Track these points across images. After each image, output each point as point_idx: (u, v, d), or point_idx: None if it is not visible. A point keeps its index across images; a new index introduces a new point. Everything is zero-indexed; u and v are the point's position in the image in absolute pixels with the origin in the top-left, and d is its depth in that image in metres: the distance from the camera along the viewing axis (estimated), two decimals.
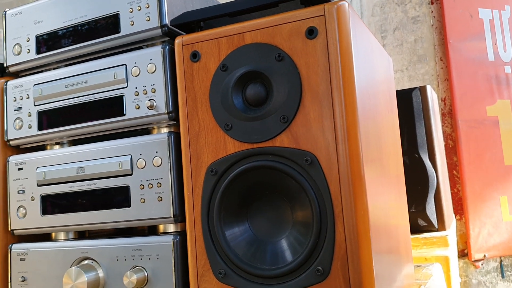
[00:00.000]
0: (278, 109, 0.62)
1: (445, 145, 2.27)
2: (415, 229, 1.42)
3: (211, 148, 0.66)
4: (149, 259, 0.68)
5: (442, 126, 2.29)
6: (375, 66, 0.74)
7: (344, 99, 0.60)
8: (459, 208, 2.26)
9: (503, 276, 2.22)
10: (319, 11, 0.61)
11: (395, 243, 0.74)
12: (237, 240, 0.64)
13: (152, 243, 0.69)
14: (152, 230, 0.76)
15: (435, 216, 1.42)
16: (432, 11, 2.35)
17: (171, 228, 0.71)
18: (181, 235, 0.68)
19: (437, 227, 1.41)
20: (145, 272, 0.68)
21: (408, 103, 1.46)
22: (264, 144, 0.63)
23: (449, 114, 2.31)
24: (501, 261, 2.22)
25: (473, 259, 2.15)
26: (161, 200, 0.69)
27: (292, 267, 0.60)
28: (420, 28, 2.39)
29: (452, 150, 2.28)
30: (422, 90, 1.46)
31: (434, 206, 1.42)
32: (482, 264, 2.19)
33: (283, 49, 0.63)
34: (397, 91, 1.51)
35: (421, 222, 1.43)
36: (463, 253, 2.27)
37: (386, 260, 0.66)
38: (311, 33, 0.61)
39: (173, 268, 0.67)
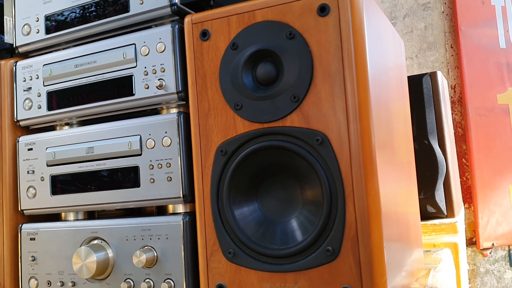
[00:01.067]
0: (288, 88, 0.62)
1: (455, 133, 2.25)
2: (424, 215, 1.41)
3: (221, 128, 0.65)
4: (159, 239, 0.68)
5: (452, 114, 2.27)
6: (387, 48, 0.73)
7: (356, 77, 0.59)
8: (468, 196, 2.25)
9: (511, 265, 2.21)
10: None
11: (405, 227, 0.74)
12: (246, 220, 0.64)
13: (161, 223, 0.69)
14: (161, 211, 0.76)
15: (444, 203, 1.41)
16: None
17: (181, 208, 0.71)
18: (191, 215, 0.68)
19: (446, 213, 1.41)
20: (154, 252, 0.68)
21: (418, 89, 1.44)
22: (275, 124, 0.62)
23: (459, 102, 2.29)
24: (509, 250, 2.21)
25: (481, 248, 2.15)
26: (170, 180, 0.68)
27: (302, 247, 0.60)
28: (430, 15, 2.36)
29: (462, 138, 2.27)
30: (433, 76, 1.44)
31: (443, 193, 1.41)
32: (490, 253, 2.19)
33: (294, 27, 0.62)
34: (407, 77, 1.50)
35: (430, 209, 1.42)
36: (472, 242, 2.26)
37: (395, 243, 0.66)
38: (323, 10, 0.60)
39: (182, 247, 0.67)
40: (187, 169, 0.68)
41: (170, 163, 0.68)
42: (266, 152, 0.63)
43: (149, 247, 0.69)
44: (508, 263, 2.21)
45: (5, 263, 0.80)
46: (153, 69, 0.70)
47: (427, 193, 1.42)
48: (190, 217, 0.68)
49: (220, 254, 0.64)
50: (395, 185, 0.68)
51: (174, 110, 0.72)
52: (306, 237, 0.60)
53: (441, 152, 1.42)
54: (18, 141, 0.81)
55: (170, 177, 0.68)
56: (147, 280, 0.68)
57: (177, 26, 0.70)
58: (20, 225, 0.80)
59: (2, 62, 0.83)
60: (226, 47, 0.65)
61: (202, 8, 0.70)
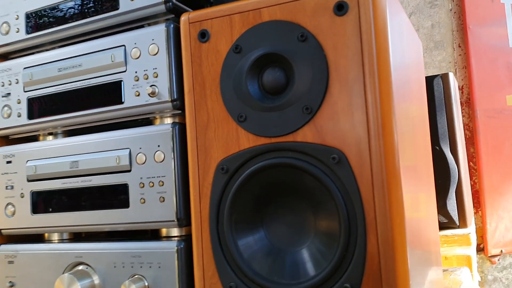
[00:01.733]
0: (300, 98, 0.53)
1: None
2: None
3: (222, 142, 0.57)
4: (150, 267, 0.60)
5: None
6: (409, 50, 0.65)
7: (379, 86, 0.51)
8: (476, 201, 2.18)
9: None
10: None
11: (427, 247, 0.66)
12: (251, 250, 0.56)
13: (153, 249, 0.61)
14: (154, 233, 0.68)
15: (456, 213, 1.34)
16: None
17: (175, 232, 0.63)
18: (186, 240, 0.60)
19: (458, 224, 1.33)
20: (145, 282, 0.60)
21: (430, 92, 1.36)
22: (284, 139, 0.54)
23: (466, 103, 2.22)
24: None
25: (489, 255, 2.08)
26: (163, 200, 0.60)
27: (315, 282, 0.52)
28: (437, 13, 2.28)
29: (470, 141, 2.19)
30: (444, 78, 1.37)
31: (455, 202, 1.34)
32: (498, 260, 2.12)
33: (307, 27, 0.54)
34: None
35: (442, 219, 1.35)
36: (479, 248, 2.19)
37: (419, 270, 0.58)
38: (341, 8, 0.52)
39: (177, 278, 0.59)
40: (182, 189, 0.60)
41: (163, 181, 0.60)
42: (274, 170, 0.55)
43: (140, 276, 0.61)
44: None
45: None
46: (145, 74, 0.62)
47: (439, 202, 1.35)
48: (186, 243, 0.60)
49: (220, 287, 0.56)
50: (418, 202, 0.60)
51: (169, 120, 0.64)
52: (320, 271, 0.52)
53: (453, 159, 1.34)
54: None
55: (163, 197, 0.60)
56: None
57: (172, 26, 0.62)
58: None
59: None
60: (228, 50, 0.57)
61: (201, 5, 0.62)
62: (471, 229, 1.33)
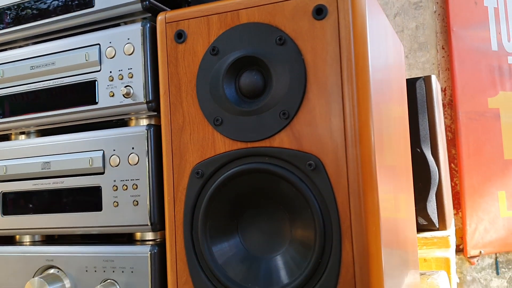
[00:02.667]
0: (277, 103, 0.52)
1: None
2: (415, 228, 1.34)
3: (197, 146, 0.56)
4: (123, 272, 0.59)
5: None
6: (389, 54, 0.64)
7: (357, 93, 0.50)
8: (456, 202, 2.20)
9: (497, 273, 2.17)
10: None
11: (404, 252, 0.65)
12: (226, 256, 0.54)
13: (126, 253, 0.59)
14: (129, 236, 0.66)
15: (436, 215, 1.34)
16: None
17: (150, 236, 0.62)
18: (160, 245, 0.59)
19: (437, 226, 1.34)
20: (117, 287, 0.59)
21: (412, 94, 1.37)
22: (260, 144, 0.53)
23: (449, 105, 2.24)
24: (496, 258, 2.17)
25: (468, 256, 2.10)
26: (137, 204, 0.59)
27: None
28: (422, 14, 2.29)
29: (451, 142, 2.21)
30: (427, 80, 1.37)
31: (435, 204, 1.34)
32: (477, 261, 2.14)
33: (285, 31, 0.53)
34: None
35: (421, 221, 1.35)
36: (459, 249, 2.21)
37: (395, 277, 0.57)
38: (320, 12, 0.51)
39: (150, 284, 0.57)
40: (156, 192, 0.59)
41: (137, 185, 0.59)
42: (250, 176, 0.54)
43: (112, 281, 0.59)
44: (495, 272, 2.17)
45: None
46: (120, 74, 0.60)
47: (418, 204, 1.35)
48: (160, 248, 0.59)
49: None
50: (396, 207, 0.60)
51: (144, 122, 0.62)
52: (294, 278, 0.51)
53: (434, 161, 1.35)
54: None
55: (137, 201, 0.59)
56: None
57: (148, 25, 0.60)
58: None
59: None
60: (205, 51, 0.56)
61: (179, 5, 0.61)
62: (450, 232, 1.34)
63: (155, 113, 0.61)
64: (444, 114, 2.21)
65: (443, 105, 2.22)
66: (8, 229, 0.68)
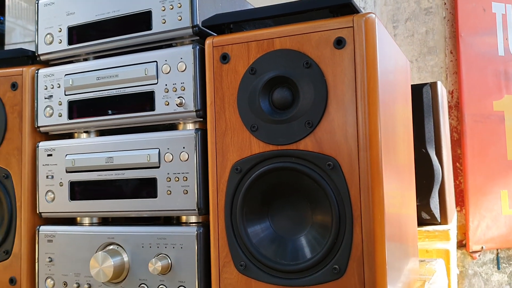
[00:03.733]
0: (303, 114, 0.66)
1: (450, 138, 2.30)
2: (419, 222, 1.45)
3: (237, 147, 0.69)
4: (173, 247, 0.72)
5: (448, 118, 2.32)
6: (396, 72, 0.77)
7: (368, 108, 0.63)
8: (460, 200, 2.30)
9: (498, 268, 2.28)
10: (348, 22, 0.64)
11: (405, 240, 0.78)
12: (258, 236, 0.68)
13: (176, 233, 0.73)
14: (176, 219, 0.79)
15: (438, 210, 1.46)
16: (445, 3, 2.35)
17: (194, 219, 0.75)
18: (204, 226, 0.72)
19: (439, 220, 1.46)
20: (169, 260, 0.73)
21: (418, 99, 1.48)
22: (288, 147, 0.66)
23: (455, 107, 2.34)
24: (497, 253, 2.27)
25: (470, 250, 2.20)
26: (186, 193, 0.72)
27: (311, 264, 0.64)
28: (432, 20, 2.39)
29: (457, 142, 2.32)
30: (433, 86, 1.49)
31: (438, 200, 1.46)
32: (479, 256, 2.24)
33: (311, 56, 0.66)
34: None
35: (425, 216, 1.47)
36: (461, 244, 2.32)
37: (396, 258, 0.70)
38: (340, 43, 0.64)
39: (196, 257, 0.71)
40: (202, 184, 0.72)
41: (186, 177, 0.72)
42: (279, 172, 0.67)
43: (164, 255, 0.73)
44: (496, 266, 2.27)
45: (22, 263, 0.84)
46: (174, 87, 0.74)
47: (422, 200, 1.47)
48: (204, 229, 0.72)
49: (232, 266, 0.69)
50: (398, 198, 0.72)
51: (191, 126, 0.75)
52: (315, 254, 0.65)
53: (437, 161, 1.46)
54: (38, 146, 0.85)
55: (186, 190, 0.72)
56: (161, 286, 0.73)
57: (198, 47, 0.73)
58: (38, 227, 0.84)
59: (24, 69, 0.86)
60: (245, 71, 0.69)
61: (222, 31, 0.73)
62: (451, 226, 1.45)
63: (201, 119, 0.74)
64: (450, 116, 2.32)
65: (450, 107, 2.32)
66: (75, 212, 0.82)
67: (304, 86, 0.66)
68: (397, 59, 0.80)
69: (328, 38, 0.65)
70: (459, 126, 2.31)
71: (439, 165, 1.47)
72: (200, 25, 0.74)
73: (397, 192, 0.73)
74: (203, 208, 0.72)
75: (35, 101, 0.85)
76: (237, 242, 0.68)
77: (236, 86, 0.70)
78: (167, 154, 0.74)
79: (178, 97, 0.73)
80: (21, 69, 0.86)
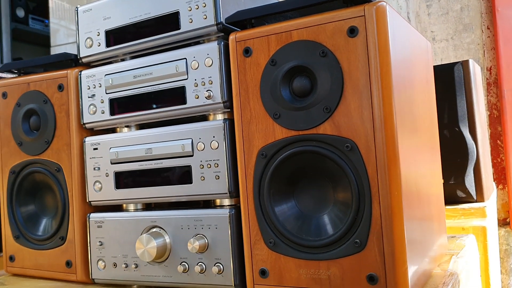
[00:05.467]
0: (321, 100, 0.70)
1: (490, 115, 2.28)
2: (454, 200, 1.48)
3: (262, 134, 0.75)
4: (209, 228, 0.79)
5: (487, 95, 2.29)
6: (413, 55, 0.80)
7: (382, 92, 0.67)
8: (503, 177, 2.28)
9: None
10: (360, 11, 0.68)
11: (428, 216, 0.82)
12: (285, 215, 0.74)
13: (211, 214, 0.79)
14: (209, 203, 0.86)
15: (474, 188, 1.47)
16: None
17: (227, 202, 0.82)
18: (236, 208, 0.79)
19: (475, 198, 1.47)
20: (206, 239, 0.79)
21: (450, 78, 1.49)
22: (309, 132, 0.71)
23: (494, 84, 2.31)
24: None
25: None
26: (218, 178, 0.79)
27: (334, 239, 0.69)
28: None
29: (497, 119, 2.29)
30: (464, 64, 1.49)
31: (473, 178, 1.47)
32: None
33: (327, 46, 0.70)
34: (439, 66, 1.55)
35: (460, 194, 1.48)
36: (505, 222, 2.30)
37: (418, 232, 0.74)
38: (352, 32, 0.68)
39: (229, 236, 0.77)
40: (232, 169, 0.78)
41: (218, 164, 0.79)
42: (302, 156, 0.72)
43: (201, 235, 0.80)
44: None
45: (76, 247, 0.93)
46: (202, 81, 0.80)
47: (457, 178, 1.49)
48: (235, 210, 0.78)
49: (262, 243, 0.75)
50: (418, 175, 0.76)
51: (220, 116, 0.82)
52: (337, 230, 0.70)
53: (471, 139, 1.47)
54: (85, 141, 0.93)
55: (218, 176, 0.79)
56: (199, 263, 0.80)
57: (222, 43, 0.79)
58: (88, 214, 0.92)
59: (69, 71, 0.95)
60: (266, 63, 0.74)
61: (245, 26, 0.79)
62: (487, 203, 1.46)
63: (229, 110, 0.80)
64: (489, 93, 2.29)
65: (489, 83, 2.29)
66: (121, 199, 0.90)
67: (321, 74, 0.70)
68: (415, 43, 0.83)
69: (342, 27, 0.69)
70: (498, 102, 2.28)
71: (473, 142, 1.47)
72: (224, 22, 0.79)
73: (417, 170, 0.77)
74: (234, 192, 0.78)
75: (80, 100, 0.93)
76: (266, 221, 0.74)
77: (258, 77, 0.75)
78: (199, 143, 0.80)
79: (207, 91, 0.79)
80: (66, 71, 0.95)
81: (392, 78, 0.67)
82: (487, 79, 2.33)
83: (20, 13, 4.75)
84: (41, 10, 4.72)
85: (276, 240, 0.73)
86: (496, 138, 2.30)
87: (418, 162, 0.78)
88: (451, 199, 1.47)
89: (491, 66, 2.31)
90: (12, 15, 4.71)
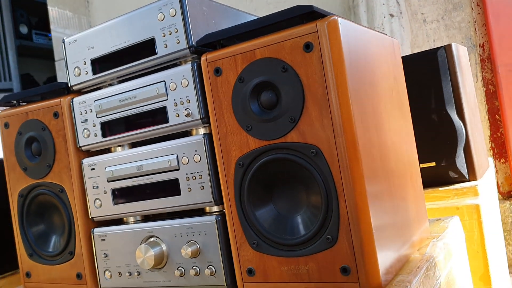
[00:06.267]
0: (287, 112, 0.77)
1: (486, 91, 2.32)
2: (448, 181, 1.53)
3: (237, 145, 0.82)
4: (199, 234, 0.87)
5: (482, 72, 2.32)
6: (375, 58, 0.86)
7: (339, 100, 0.73)
8: (503, 151, 2.32)
9: None
10: (313, 28, 0.74)
11: (403, 206, 0.88)
12: (265, 218, 0.81)
13: (200, 222, 0.87)
14: (200, 210, 0.93)
15: (465, 168, 1.52)
16: None
17: (214, 209, 0.89)
18: (222, 214, 0.86)
19: (468, 177, 1.52)
20: (198, 245, 0.87)
21: (434, 63, 1.54)
22: (278, 141, 0.78)
23: (488, 60, 2.34)
24: None
25: None
26: (203, 188, 0.86)
27: (308, 236, 0.76)
28: None
29: (493, 95, 2.32)
30: (447, 48, 1.54)
31: (464, 159, 1.52)
32: None
33: (287, 61, 0.76)
34: (421, 53, 1.60)
35: (452, 174, 1.54)
36: (510, 195, 2.35)
37: (390, 222, 0.80)
38: (308, 47, 0.74)
39: (218, 240, 0.85)
40: (215, 179, 0.85)
41: (201, 175, 0.86)
42: (274, 163, 0.79)
43: (193, 241, 0.87)
44: None
45: (84, 260, 1.01)
46: (181, 101, 0.87)
47: (448, 160, 1.54)
48: (222, 216, 0.86)
49: (247, 245, 0.82)
50: (389, 175, 0.82)
51: (201, 131, 0.89)
52: (311, 228, 0.76)
53: (459, 120, 1.52)
54: (82, 163, 1.01)
55: (203, 186, 0.86)
56: (194, 267, 0.87)
57: (195, 64, 0.86)
58: (92, 229, 1.01)
59: (62, 99, 1.03)
60: (235, 80, 0.81)
61: (215, 47, 0.85)
62: (479, 182, 1.50)
63: (207, 125, 0.87)
64: (484, 69, 2.32)
65: (483, 60, 2.32)
66: (119, 214, 0.98)
67: (284, 87, 0.77)
68: (377, 45, 0.89)
69: (298, 44, 0.75)
70: (493, 78, 2.31)
71: (461, 123, 1.52)
72: (195, 45, 0.86)
73: (387, 165, 0.83)
74: (218, 199, 0.85)
75: (74, 125, 1.01)
76: (248, 224, 0.81)
77: (230, 94, 0.82)
78: (183, 157, 0.87)
79: (185, 109, 0.86)
80: (59, 99, 1.03)
81: (348, 85, 0.74)
82: (480, 55, 2.36)
83: (24, 29, 4.87)
84: (44, 24, 4.83)
85: (259, 241, 0.81)
86: (494, 113, 2.34)
87: (388, 157, 0.84)
88: (444, 180, 1.53)
89: (483, 43, 2.34)
90: (16, 32, 4.83)
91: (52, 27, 3.42)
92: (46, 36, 5.00)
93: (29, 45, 4.90)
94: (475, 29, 2.33)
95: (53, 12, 3.39)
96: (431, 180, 1.52)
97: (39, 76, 4.96)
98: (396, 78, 0.98)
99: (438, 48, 1.54)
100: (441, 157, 1.54)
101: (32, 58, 5.05)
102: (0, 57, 4.73)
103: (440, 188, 1.51)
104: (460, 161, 1.53)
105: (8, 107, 1.13)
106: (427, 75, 1.54)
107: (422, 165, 1.54)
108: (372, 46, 0.86)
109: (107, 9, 3.36)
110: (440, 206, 1.51)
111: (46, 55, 4.62)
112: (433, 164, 1.56)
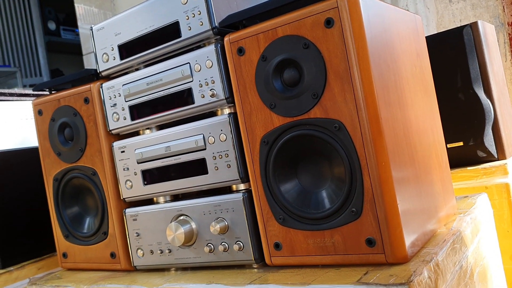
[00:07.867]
0: (309, 88, 0.78)
1: None
2: (476, 160, 1.52)
3: (262, 123, 0.83)
4: (227, 211, 0.89)
5: (511, 51, 2.27)
6: (396, 34, 0.86)
7: (360, 74, 0.74)
8: None
9: None
10: (333, 4, 0.75)
11: (429, 181, 0.88)
12: (289, 193, 0.82)
13: (228, 199, 0.89)
14: (227, 189, 0.96)
15: (494, 147, 1.50)
16: None
17: (241, 187, 0.91)
18: (248, 192, 0.88)
19: (496, 156, 1.50)
20: (226, 222, 0.89)
21: (460, 42, 1.52)
22: (302, 117, 0.79)
23: None
24: None
25: None
26: (229, 167, 0.88)
27: (333, 210, 0.78)
28: None
29: None
30: (473, 26, 1.51)
31: (492, 137, 1.50)
32: None
33: (308, 38, 0.78)
34: (447, 31, 1.58)
35: (481, 154, 1.52)
36: None
37: (415, 196, 0.81)
38: (329, 23, 0.75)
39: (245, 217, 0.87)
40: (240, 157, 0.87)
41: (227, 154, 0.88)
42: (298, 139, 0.80)
43: (221, 218, 0.90)
44: None
45: (117, 240, 1.05)
46: (206, 82, 0.89)
47: (476, 139, 1.52)
48: (248, 193, 0.88)
49: (273, 220, 0.84)
50: (412, 149, 0.83)
51: (226, 110, 0.91)
52: (336, 202, 0.78)
53: (486, 98, 1.50)
54: (113, 146, 1.04)
55: (229, 164, 0.88)
56: (223, 243, 0.90)
57: (219, 45, 0.87)
58: (124, 210, 1.04)
59: (91, 85, 1.06)
60: (258, 59, 0.83)
61: (237, 27, 0.87)
62: (509, 160, 1.48)
63: (232, 104, 0.89)
64: None
65: (511, 38, 2.27)
66: (149, 194, 1.01)
67: (306, 64, 0.78)
68: (399, 21, 0.89)
69: (319, 20, 0.76)
70: None
71: (489, 102, 1.50)
72: (218, 26, 0.88)
73: (410, 140, 0.84)
74: (244, 177, 0.87)
75: (104, 109, 1.05)
76: (274, 200, 0.83)
77: (253, 73, 0.83)
78: (210, 137, 0.90)
79: (210, 90, 0.88)
80: (89, 85, 1.06)
81: (370, 60, 0.74)
82: (509, 34, 2.30)
83: (52, 26, 4.99)
84: (71, 19, 4.94)
85: (285, 216, 0.82)
86: None
87: (412, 132, 0.84)
88: (472, 160, 1.51)
89: None
90: (45, 28, 4.95)
91: (79, 23, 3.50)
92: (73, 31, 5.11)
93: (57, 41, 5.02)
94: (503, 7, 2.28)
95: (79, 9, 3.47)
96: (459, 159, 1.51)
97: (68, 71, 5.09)
98: (419, 55, 0.97)
99: (464, 26, 1.52)
100: (468, 137, 1.52)
101: (61, 54, 5.18)
102: (30, 53, 4.87)
103: (469, 168, 1.49)
104: (489, 140, 1.51)
105: (41, 96, 1.18)
106: (453, 54, 1.52)
107: (450, 145, 1.53)
108: (393, 22, 0.87)
109: (132, 4, 3.42)
110: (469, 185, 1.49)
111: (74, 50, 4.74)
112: (461, 143, 1.54)
